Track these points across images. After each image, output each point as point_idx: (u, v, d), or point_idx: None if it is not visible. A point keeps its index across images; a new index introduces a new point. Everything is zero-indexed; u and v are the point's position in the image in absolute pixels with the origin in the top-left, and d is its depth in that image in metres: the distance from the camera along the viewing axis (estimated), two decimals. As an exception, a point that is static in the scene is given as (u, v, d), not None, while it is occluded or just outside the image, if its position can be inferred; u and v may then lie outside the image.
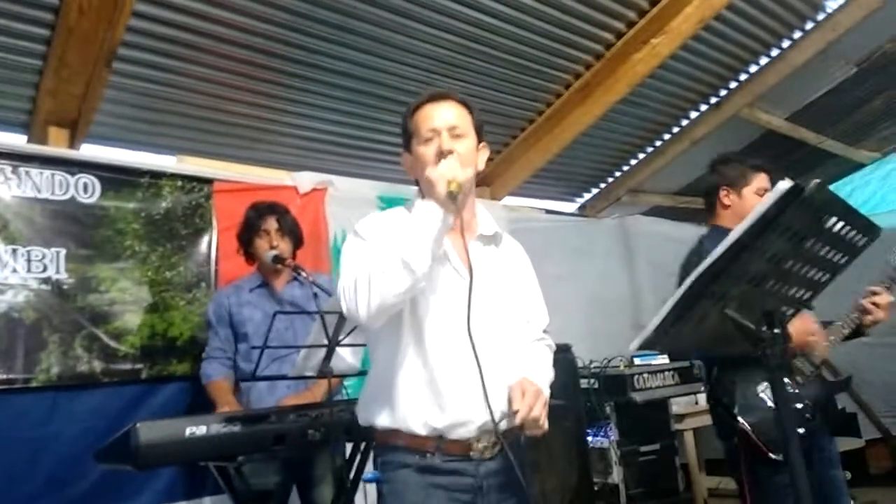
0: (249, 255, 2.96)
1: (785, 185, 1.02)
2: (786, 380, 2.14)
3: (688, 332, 1.13)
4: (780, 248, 1.10)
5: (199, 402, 2.83)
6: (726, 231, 2.41)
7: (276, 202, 3.06)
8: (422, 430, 1.54)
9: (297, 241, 2.97)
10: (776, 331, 1.17)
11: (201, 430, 2.05)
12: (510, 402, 1.52)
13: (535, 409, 1.49)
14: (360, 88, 3.84)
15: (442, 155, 1.58)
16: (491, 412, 1.47)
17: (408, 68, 3.81)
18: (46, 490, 2.76)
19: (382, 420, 1.59)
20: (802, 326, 2.12)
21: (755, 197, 2.39)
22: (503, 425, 1.53)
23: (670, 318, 1.08)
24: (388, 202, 4.14)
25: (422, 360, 1.56)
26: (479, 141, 1.71)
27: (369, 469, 2.49)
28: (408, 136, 1.70)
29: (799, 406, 2.15)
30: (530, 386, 1.53)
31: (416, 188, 1.73)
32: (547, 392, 1.60)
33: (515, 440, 1.59)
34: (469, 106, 1.70)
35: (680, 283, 2.40)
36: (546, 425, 1.53)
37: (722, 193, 2.47)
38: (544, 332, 1.83)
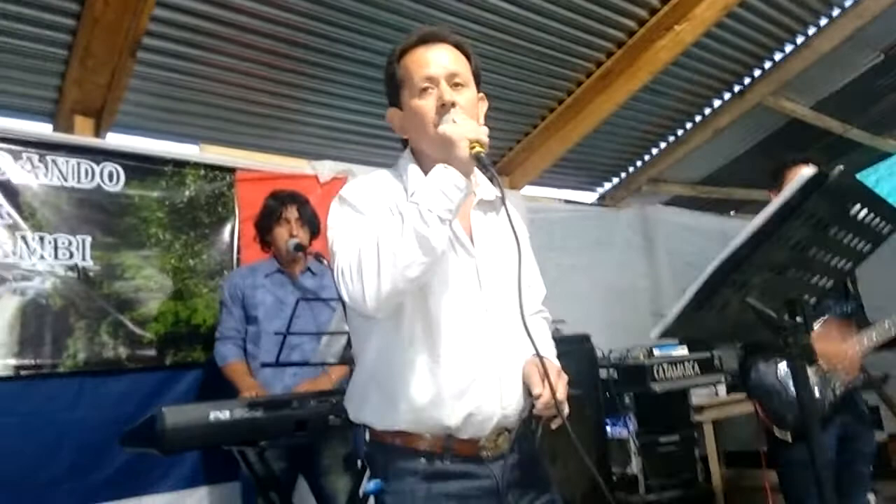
0: (266, 242, 2.98)
1: (809, 171, 1.01)
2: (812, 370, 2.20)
3: (709, 320, 1.13)
4: (804, 236, 1.09)
5: (220, 388, 2.86)
6: None
7: (296, 191, 3.08)
8: (430, 429, 1.33)
9: (315, 232, 2.99)
10: (798, 319, 1.16)
11: (225, 414, 2.09)
12: (529, 385, 1.33)
13: (559, 390, 1.30)
14: (380, 77, 3.79)
15: (444, 108, 1.34)
16: (520, 402, 1.35)
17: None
18: (72, 473, 2.83)
19: (381, 418, 1.36)
20: (832, 351, 2.17)
21: None
22: (523, 414, 1.39)
23: (692, 305, 1.07)
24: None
25: (429, 349, 1.33)
26: (478, 90, 1.46)
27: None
28: (395, 86, 1.44)
29: (819, 395, 2.20)
30: (550, 365, 1.32)
31: (405, 149, 1.49)
32: (558, 364, 1.41)
33: (529, 430, 1.44)
34: (465, 49, 1.45)
35: None
36: (566, 408, 1.31)
37: (770, 195, 2.55)
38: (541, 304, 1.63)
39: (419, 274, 1.22)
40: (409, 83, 1.40)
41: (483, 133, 1.28)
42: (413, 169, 1.42)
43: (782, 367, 2.28)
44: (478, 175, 1.43)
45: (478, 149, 1.25)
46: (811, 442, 1.21)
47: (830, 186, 1.02)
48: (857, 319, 2.38)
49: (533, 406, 1.34)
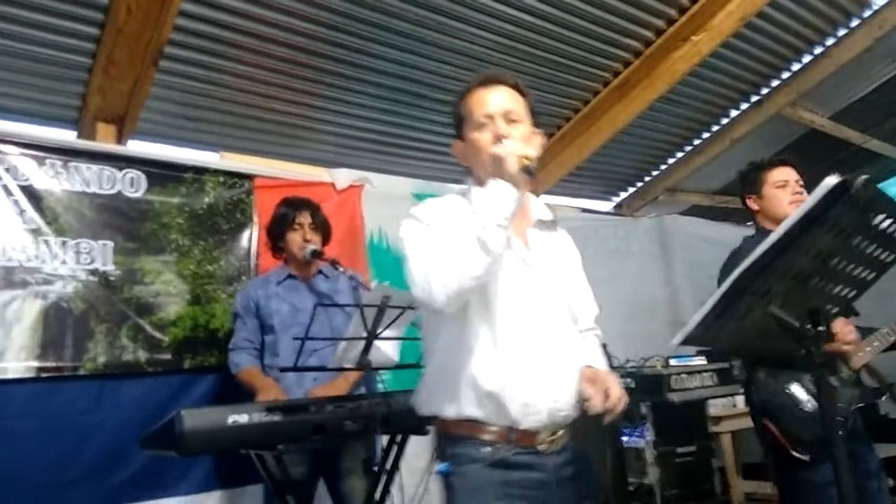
0: (279, 248, 2.99)
1: (832, 180, 1.01)
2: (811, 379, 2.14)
3: (730, 329, 1.12)
4: (826, 245, 1.09)
5: (237, 393, 2.88)
6: (766, 232, 2.42)
7: (308, 198, 3.10)
8: (493, 420, 1.48)
9: (327, 238, 3.01)
10: (820, 329, 1.15)
11: (243, 418, 2.11)
12: (582, 390, 1.49)
13: (612, 391, 1.45)
14: (398, 87, 3.87)
15: (499, 140, 1.53)
16: (574, 402, 1.49)
17: (446, 66, 3.84)
18: (92, 475, 2.84)
19: (450, 410, 1.52)
20: (840, 334, 2.10)
21: (776, 191, 2.45)
22: (574, 413, 1.52)
23: (713, 313, 1.07)
24: (424, 199, 4.15)
25: (492, 347, 1.50)
26: (534, 125, 1.65)
27: (409, 456, 2.53)
28: (459, 122, 1.65)
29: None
30: (599, 372, 1.51)
31: (467, 177, 1.69)
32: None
33: (580, 432, 1.57)
34: (522, 89, 1.65)
35: (720, 284, 2.43)
36: (624, 401, 1.49)
37: (749, 201, 2.53)
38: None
39: (481, 273, 1.40)
40: (471, 119, 1.61)
41: (530, 151, 1.46)
42: (475, 190, 1.59)
43: (793, 386, 2.18)
44: (532, 198, 1.69)
45: (526, 163, 1.42)
46: (835, 457, 1.19)
47: (853, 196, 1.02)
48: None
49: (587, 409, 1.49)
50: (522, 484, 1.48)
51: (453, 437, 1.53)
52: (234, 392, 2.89)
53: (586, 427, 1.57)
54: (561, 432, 1.52)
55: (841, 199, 1.01)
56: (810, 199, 1.03)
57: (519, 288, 1.54)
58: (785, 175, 2.47)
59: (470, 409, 1.49)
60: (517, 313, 1.52)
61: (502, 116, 1.58)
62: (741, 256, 2.27)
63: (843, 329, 2.12)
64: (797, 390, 2.17)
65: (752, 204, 2.51)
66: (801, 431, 2.10)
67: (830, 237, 1.08)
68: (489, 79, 1.64)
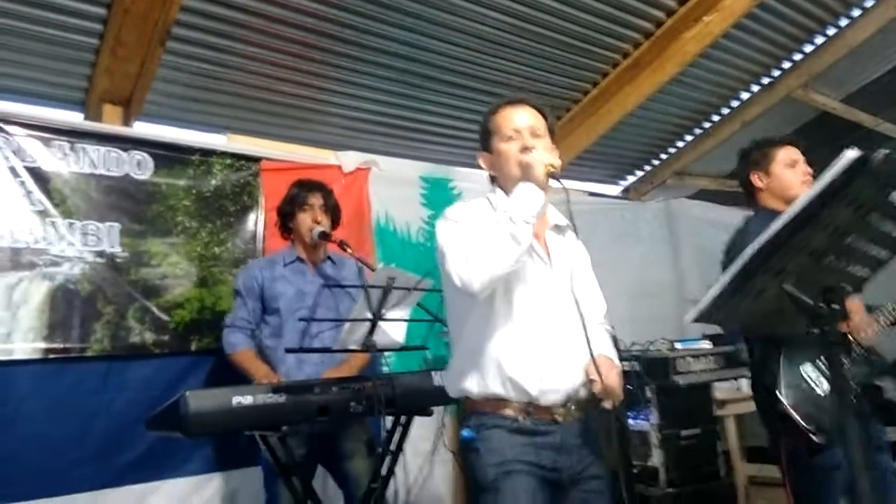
0: (287, 229, 2.99)
1: (852, 154, 0.99)
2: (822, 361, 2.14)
3: (744, 306, 1.11)
4: (843, 222, 1.07)
5: (242, 375, 2.88)
6: (770, 211, 2.40)
7: (321, 181, 3.09)
8: (515, 397, 1.69)
9: (336, 222, 3.00)
10: (835, 307, 1.14)
11: (248, 399, 2.11)
12: (587, 373, 1.67)
13: (611, 378, 1.65)
14: (405, 68, 3.84)
15: (526, 150, 1.76)
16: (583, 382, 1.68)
17: (453, 47, 3.80)
18: (98, 455, 2.87)
19: (476, 388, 1.72)
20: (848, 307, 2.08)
21: (786, 169, 2.43)
22: (583, 393, 1.72)
23: (728, 290, 1.06)
24: (431, 182, 4.15)
25: (514, 333, 1.71)
26: (552, 142, 1.88)
27: (413, 437, 2.53)
28: (487, 136, 1.88)
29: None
30: (604, 359, 1.69)
31: (493, 185, 1.90)
32: (619, 364, 1.79)
33: (595, 408, 1.75)
34: (543, 111, 1.89)
35: (725, 266, 2.40)
36: (621, 394, 1.69)
37: (754, 178, 2.48)
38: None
39: (513, 262, 1.62)
40: (499, 133, 1.85)
41: (555, 160, 1.71)
42: (500, 195, 1.84)
43: (808, 369, 2.17)
44: (549, 205, 1.86)
45: (552, 170, 1.68)
46: (847, 437, 1.17)
47: (872, 171, 1.00)
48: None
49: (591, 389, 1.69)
50: (539, 445, 1.69)
51: (479, 413, 1.74)
52: (240, 374, 2.90)
53: (595, 403, 1.74)
54: (573, 406, 1.72)
55: (860, 173, 0.99)
56: (829, 173, 1.01)
57: (539, 282, 1.75)
58: (794, 154, 2.45)
59: (494, 388, 1.70)
60: (537, 304, 1.73)
61: (528, 131, 1.81)
62: (747, 236, 2.26)
63: (852, 303, 2.12)
64: (812, 373, 2.16)
65: (758, 181, 2.47)
66: (820, 416, 2.07)
67: (848, 213, 1.06)
68: (516, 99, 1.89)
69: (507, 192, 1.81)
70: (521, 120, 1.84)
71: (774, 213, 2.25)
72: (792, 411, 2.12)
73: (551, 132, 1.89)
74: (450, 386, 1.85)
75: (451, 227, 1.76)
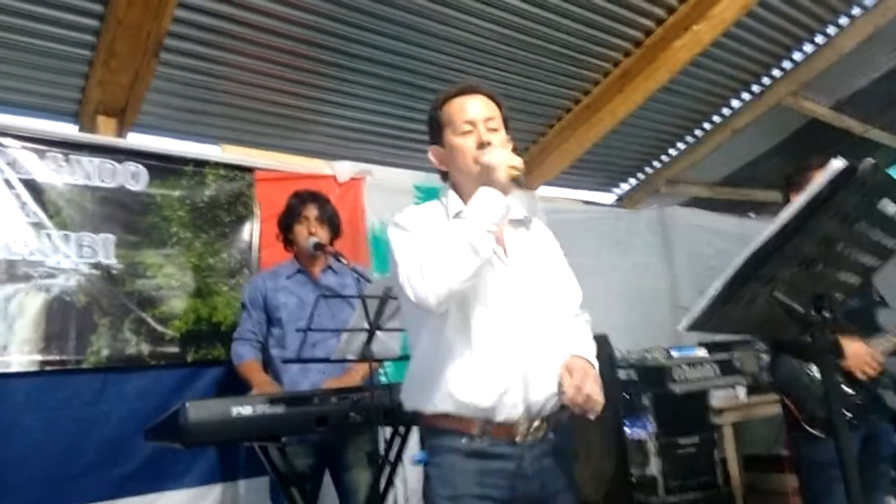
0: (288, 241, 3.01)
1: (838, 163, 1.01)
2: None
3: (736, 315, 1.12)
4: (832, 231, 1.09)
5: (240, 386, 2.89)
6: None
7: (317, 191, 3.10)
8: (469, 412, 1.53)
9: (336, 232, 3.01)
10: (825, 314, 1.15)
11: (247, 410, 2.12)
12: (559, 382, 1.51)
13: (585, 386, 1.48)
14: (397, 77, 3.86)
15: (482, 146, 1.61)
16: (552, 393, 1.53)
17: (445, 57, 3.83)
18: (96, 467, 2.85)
19: (430, 404, 1.58)
20: (857, 354, 2.22)
21: None
22: (551, 406, 1.55)
23: (719, 299, 1.07)
24: (425, 191, 4.16)
25: (469, 343, 1.56)
26: (506, 133, 1.74)
27: (413, 448, 2.53)
28: (438, 128, 1.71)
29: (850, 391, 2.19)
30: (578, 363, 1.54)
31: (446, 179, 1.76)
32: (596, 365, 1.61)
33: (561, 423, 1.60)
34: (497, 100, 1.73)
35: None
36: (601, 400, 1.50)
37: (793, 195, 2.55)
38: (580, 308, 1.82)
39: (471, 275, 1.48)
40: (452, 125, 1.67)
41: (519, 162, 1.55)
42: (452, 196, 1.69)
43: (813, 366, 2.28)
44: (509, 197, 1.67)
45: (515, 173, 1.52)
46: (837, 439, 1.20)
47: (859, 180, 1.02)
48: (866, 316, 2.37)
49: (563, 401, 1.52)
50: (497, 474, 1.52)
51: (432, 430, 1.60)
52: (237, 385, 2.90)
53: (565, 418, 1.60)
54: (538, 423, 1.55)
55: (847, 183, 1.01)
56: (816, 183, 1.03)
57: (496, 287, 1.60)
58: None
59: (443, 404, 1.56)
60: (494, 312, 1.58)
61: (483, 123, 1.65)
62: None
63: (860, 350, 2.24)
64: (817, 370, 2.23)
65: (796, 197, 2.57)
66: (817, 409, 2.22)
67: (836, 222, 1.07)
68: (468, 88, 1.72)
69: (460, 189, 1.68)
70: (475, 111, 1.67)
71: None
72: (790, 403, 2.30)
73: (505, 123, 1.72)
74: (406, 399, 1.68)
75: (403, 235, 1.62)
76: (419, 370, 1.64)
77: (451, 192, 1.70)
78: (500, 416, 1.53)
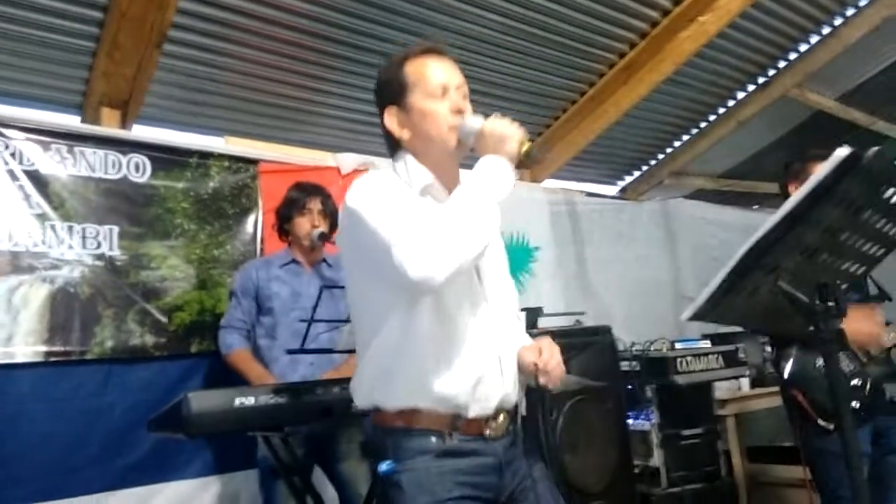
0: (284, 231, 3.00)
1: (843, 151, 1.00)
2: (844, 354, 2.23)
3: (739, 305, 1.12)
4: (836, 219, 1.08)
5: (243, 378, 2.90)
6: None
7: (320, 185, 3.10)
8: (441, 407, 1.42)
9: (335, 225, 2.99)
10: (830, 304, 1.15)
11: (250, 400, 2.11)
12: (523, 364, 1.50)
13: (555, 355, 1.47)
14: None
15: (459, 113, 1.49)
16: (515, 385, 1.51)
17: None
18: (101, 458, 2.87)
19: (395, 399, 1.44)
20: (864, 326, 2.20)
21: None
22: (514, 399, 1.52)
23: (722, 288, 1.07)
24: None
25: (441, 332, 1.43)
26: None
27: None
28: (398, 89, 1.52)
29: (857, 382, 2.19)
30: (541, 341, 1.50)
31: (397, 148, 1.56)
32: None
33: (519, 415, 1.57)
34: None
35: None
36: (562, 372, 1.48)
37: (791, 188, 2.57)
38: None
39: (481, 251, 1.36)
40: (422, 87, 1.50)
41: (524, 134, 1.44)
42: (413, 164, 1.52)
43: (820, 358, 2.28)
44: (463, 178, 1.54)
45: (528, 147, 1.42)
46: (843, 430, 1.20)
47: (864, 168, 1.01)
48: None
49: (536, 378, 1.47)
50: (473, 471, 1.43)
51: (395, 430, 1.44)
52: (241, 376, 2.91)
53: (522, 409, 1.58)
54: (502, 417, 1.49)
55: (852, 171, 1.00)
56: (821, 171, 1.02)
57: (468, 280, 1.48)
58: None
59: (417, 399, 1.42)
60: (464, 299, 1.47)
61: (457, 90, 1.52)
62: None
63: (870, 321, 2.26)
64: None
65: (793, 191, 2.56)
66: (827, 402, 2.18)
67: (840, 211, 1.07)
68: (437, 49, 1.57)
69: (422, 158, 1.51)
70: (449, 76, 1.52)
71: None
72: (801, 398, 2.28)
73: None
74: (357, 395, 1.52)
75: (378, 207, 1.38)
76: (382, 362, 1.46)
77: (411, 160, 1.52)
78: (473, 412, 1.44)
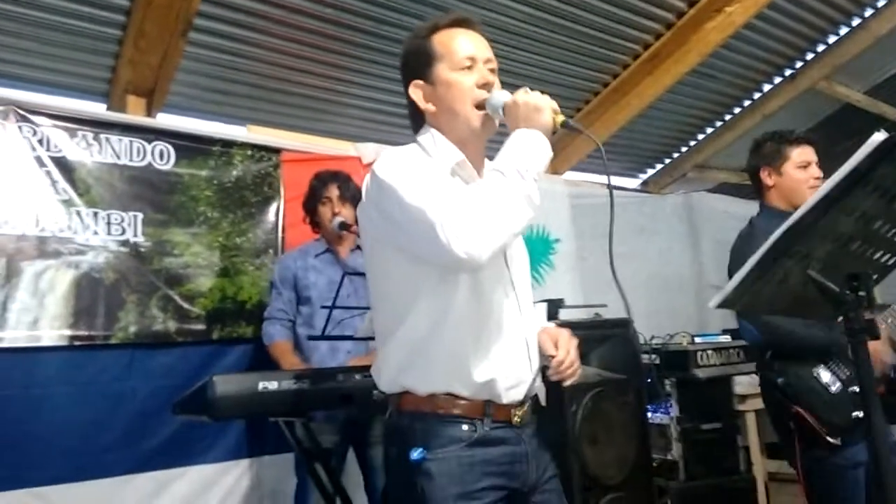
0: (315, 223, 3.04)
1: (879, 137, 0.98)
2: (838, 360, 2.17)
3: (768, 292, 1.10)
4: (870, 207, 1.06)
5: (265, 363, 2.93)
6: (776, 211, 2.36)
7: (338, 170, 3.11)
8: (477, 393, 1.39)
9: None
10: (861, 294, 1.13)
11: (273, 385, 2.14)
12: (542, 350, 1.48)
13: (572, 350, 1.45)
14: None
15: (488, 85, 1.45)
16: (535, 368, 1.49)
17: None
18: (124, 441, 2.91)
19: (428, 383, 1.40)
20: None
21: (797, 171, 2.35)
22: (538, 386, 1.52)
23: (752, 276, 1.05)
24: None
25: (474, 316, 1.39)
26: None
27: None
28: (425, 60, 1.47)
29: (856, 388, 2.09)
30: (559, 331, 1.48)
31: (420, 123, 1.53)
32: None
33: (538, 405, 1.56)
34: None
35: (731, 269, 2.39)
36: (577, 370, 1.46)
37: (763, 174, 2.41)
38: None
39: (523, 227, 1.35)
40: (448, 59, 1.46)
41: (554, 104, 1.40)
42: (440, 139, 1.47)
43: (820, 370, 2.18)
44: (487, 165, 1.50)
45: (562, 117, 1.38)
46: (873, 428, 1.17)
47: (900, 154, 0.99)
48: None
49: (546, 368, 1.46)
50: (502, 460, 1.41)
51: (424, 415, 1.39)
52: (263, 362, 2.94)
53: (542, 399, 1.57)
54: (527, 405, 1.48)
55: (887, 157, 0.98)
56: (857, 156, 1.00)
57: (497, 264, 1.45)
58: (808, 155, 2.36)
59: (450, 383, 1.39)
60: (495, 284, 1.44)
61: (485, 63, 1.47)
62: (753, 239, 2.22)
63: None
64: (824, 374, 2.16)
65: (767, 178, 2.40)
66: (831, 416, 2.09)
67: (874, 198, 1.05)
68: (465, 20, 1.51)
69: (447, 133, 1.47)
70: (477, 48, 1.46)
71: (780, 214, 2.23)
72: (805, 413, 2.13)
73: None
74: (383, 378, 1.47)
75: (417, 184, 1.33)
76: (413, 344, 1.41)
77: (438, 135, 1.47)
78: (506, 398, 1.42)
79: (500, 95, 1.43)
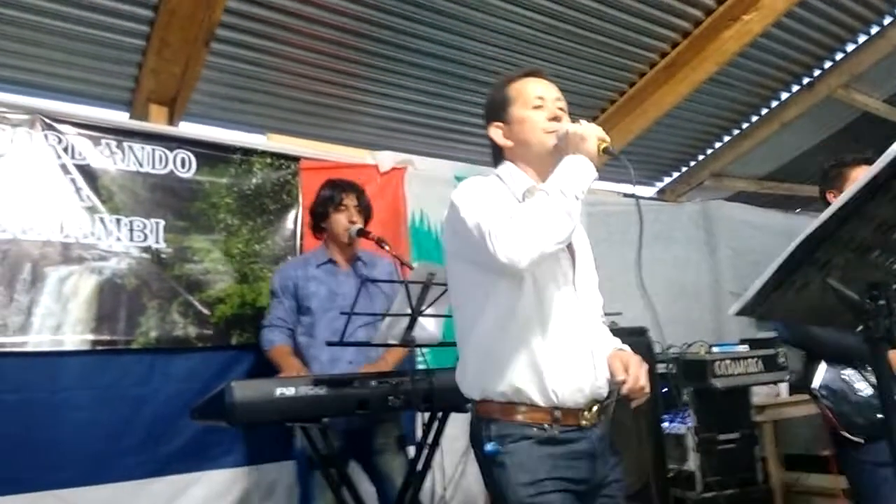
0: (321, 229, 3.02)
1: (901, 145, 0.99)
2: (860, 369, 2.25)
3: (788, 301, 1.11)
4: (890, 216, 1.06)
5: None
6: None
7: (353, 181, 3.12)
8: (542, 401, 1.55)
9: (368, 222, 3.02)
10: (880, 303, 1.13)
11: (290, 391, 2.16)
12: (612, 373, 1.60)
13: (642, 377, 1.57)
14: (441, 68, 3.87)
15: (556, 119, 1.66)
16: (607, 380, 1.62)
17: (489, 47, 3.82)
18: (144, 445, 2.94)
19: (500, 393, 1.57)
20: None
21: None
22: (604, 393, 1.63)
23: (771, 283, 1.06)
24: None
25: (539, 326, 1.56)
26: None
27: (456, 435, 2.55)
28: (502, 105, 1.73)
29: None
30: (630, 355, 1.63)
31: (499, 160, 1.76)
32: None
33: (608, 409, 1.68)
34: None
35: None
36: (649, 390, 1.60)
37: (829, 196, 2.54)
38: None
39: (564, 239, 1.50)
40: (521, 100, 1.70)
41: (604, 134, 1.60)
42: (516, 172, 1.70)
43: (847, 371, 2.30)
44: None
45: (605, 144, 1.57)
46: (894, 433, 1.17)
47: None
48: None
49: (619, 390, 1.59)
50: (569, 457, 1.55)
51: (499, 420, 1.57)
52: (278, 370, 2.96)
53: (623, 403, 1.67)
54: (596, 408, 1.61)
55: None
56: (877, 165, 1.01)
57: (563, 275, 1.63)
58: None
59: (522, 390, 1.55)
60: (559, 295, 1.60)
61: (554, 102, 1.69)
62: None
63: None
64: (853, 376, 2.28)
65: (832, 199, 2.52)
66: (854, 415, 2.23)
67: (894, 207, 1.05)
68: (536, 71, 1.77)
69: (523, 166, 1.70)
70: (546, 90, 1.71)
71: None
72: (828, 411, 2.31)
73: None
74: (467, 385, 1.65)
75: (478, 203, 1.55)
76: (485, 355, 1.60)
77: (514, 168, 1.71)
78: (571, 403, 1.56)
79: (566, 127, 1.62)
